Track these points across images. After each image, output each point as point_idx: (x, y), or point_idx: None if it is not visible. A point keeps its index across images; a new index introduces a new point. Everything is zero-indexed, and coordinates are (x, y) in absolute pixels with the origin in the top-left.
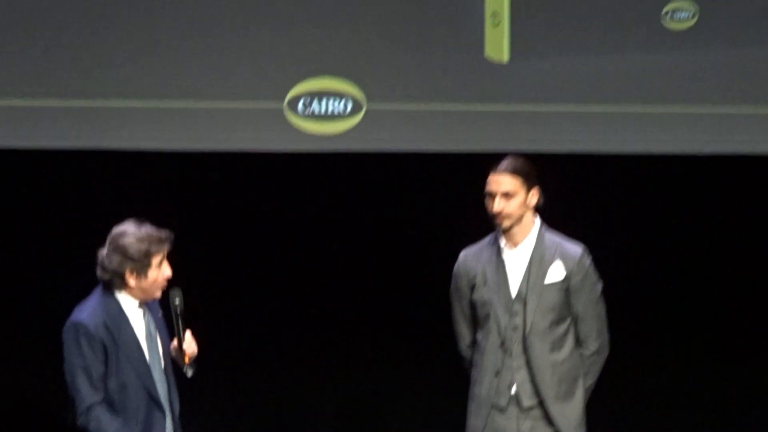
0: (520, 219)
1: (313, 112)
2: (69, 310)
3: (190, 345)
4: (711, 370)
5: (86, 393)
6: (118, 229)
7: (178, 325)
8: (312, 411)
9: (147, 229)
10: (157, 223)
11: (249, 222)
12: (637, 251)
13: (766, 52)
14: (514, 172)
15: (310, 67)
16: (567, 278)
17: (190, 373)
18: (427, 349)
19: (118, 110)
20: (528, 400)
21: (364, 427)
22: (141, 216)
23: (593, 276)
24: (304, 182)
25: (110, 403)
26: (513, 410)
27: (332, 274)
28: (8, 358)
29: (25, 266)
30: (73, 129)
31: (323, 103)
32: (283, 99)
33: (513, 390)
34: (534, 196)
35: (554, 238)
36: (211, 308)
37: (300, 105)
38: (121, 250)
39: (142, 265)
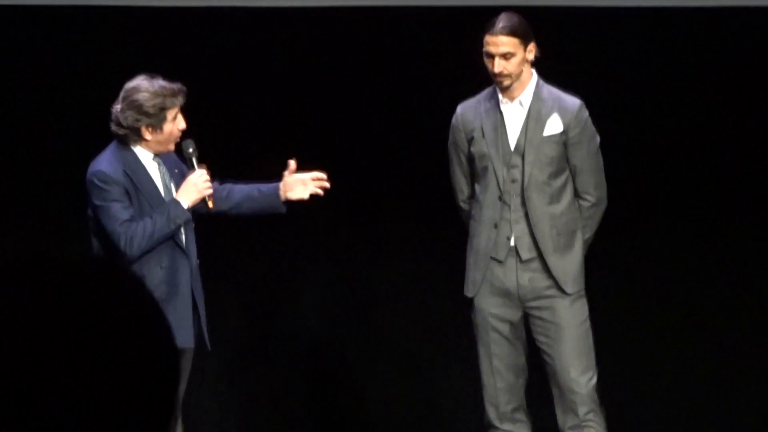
0: (518, 75)
1: None
2: (84, 166)
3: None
4: (706, 220)
5: (118, 213)
6: (131, 85)
7: (192, 171)
8: (311, 263)
9: (160, 83)
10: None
11: (243, 76)
12: (633, 105)
13: None
14: (512, 32)
15: None
16: (565, 131)
17: (211, 204)
18: (426, 202)
19: None
20: (526, 253)
21: (362, 281)
22: (144, 70)
23: (591, 129)
24: (300, 37)
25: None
26: (512, 262)
27: (329, 133)
28: (20, 222)
29: (34, 126)
30: None
31: None
32: None
33: (512, 242)
34: (531, 52)
35: (552, 92)
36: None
37: None
38: (136, 106)
39: (157, 120)
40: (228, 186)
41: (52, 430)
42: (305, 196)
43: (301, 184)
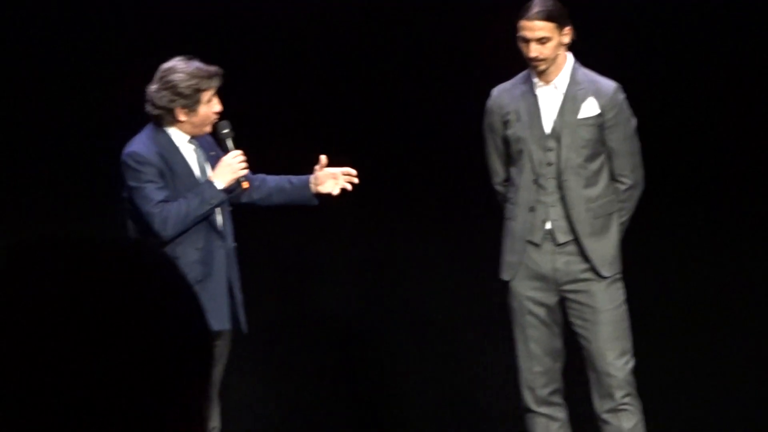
0: (554, 59)
1: None
2: (119, 147)
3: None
4: (745, 203)
5: (153, 194)
6: (167, 65)
7: (227, 152)
8: (337, 260)
9: (196, 65)
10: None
11: (273, 66)
12: (671, 87)
13: None
14: (547, 17)
15: None
16: (601, 114)
17: (245, 185)
18: (459, 185)
19: None
20: (563, 236)
21: (397, 265)
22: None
23: (627, 111)
24: (327, 26)
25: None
26: (548, 246)
27: (361, 116)
28: (60, 202)
29: (71, 104)
30: None
31: None
32: None
33: (548, 226)
34: (566, 35)
35: (587, 75)
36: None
37: None
38: (170, 86)
39: (191, 101)
40: (260, 176)
41: (85, 414)
42: (335, 191)
43: (331, 179)
